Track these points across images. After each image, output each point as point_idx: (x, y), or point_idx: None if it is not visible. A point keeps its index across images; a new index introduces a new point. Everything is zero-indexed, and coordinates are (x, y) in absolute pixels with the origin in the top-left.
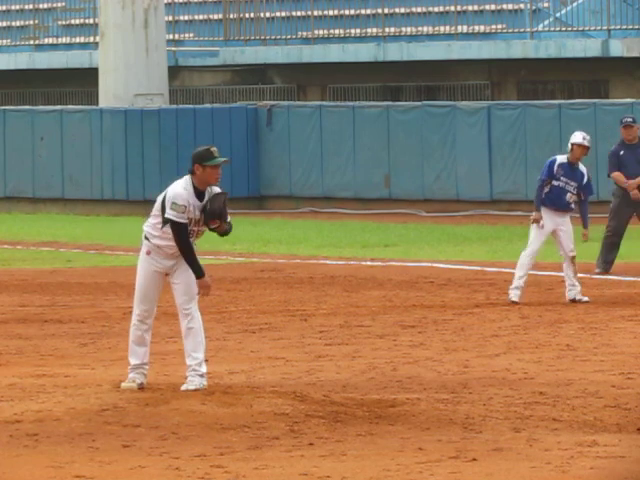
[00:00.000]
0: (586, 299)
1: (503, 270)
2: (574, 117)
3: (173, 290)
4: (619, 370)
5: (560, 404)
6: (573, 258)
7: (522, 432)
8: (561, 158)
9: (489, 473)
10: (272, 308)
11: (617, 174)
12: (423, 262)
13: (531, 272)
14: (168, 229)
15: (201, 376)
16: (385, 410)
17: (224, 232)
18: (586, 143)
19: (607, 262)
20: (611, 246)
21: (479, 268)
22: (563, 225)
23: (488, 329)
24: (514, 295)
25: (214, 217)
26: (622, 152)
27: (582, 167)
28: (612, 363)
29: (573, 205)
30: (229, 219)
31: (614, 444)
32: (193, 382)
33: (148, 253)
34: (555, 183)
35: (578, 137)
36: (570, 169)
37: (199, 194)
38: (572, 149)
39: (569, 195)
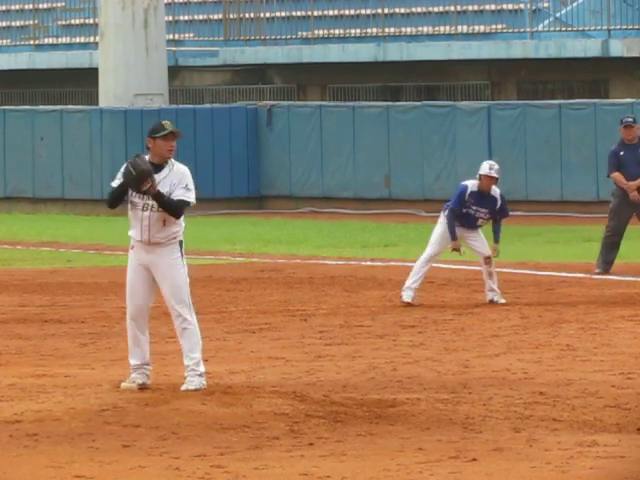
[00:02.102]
0: (503, 301)
1: (503, 270)
2: (574, 117)
3: (162, 293)
4: (619, 370)
5: (560, 404)
6: (488, 259)
7: (522, 432)
8: (472, 186)
9: (489, 473)
10: (272, 308)
11: (617, 174)
12: None
13: (531, 272)
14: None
15: (200, 375)
16: (385, 410)
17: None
18: (493, 174)
19: (607, 262)
20: (611, 246)
21: (479, 268)
22: (472, 235)
23: (488, 329)
24: (406, 296)
25: (143, 176)
26: (622, 152)
27: (495, 192)
28: (612, 363)
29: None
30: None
31: (614, 444)
32: (193, 382)
33: (132, 248)
34: (465, 210)
35: (485, 168)
36: (480, 197)
37: (155, 167)
38: (480, 179)
39: (480, 221)
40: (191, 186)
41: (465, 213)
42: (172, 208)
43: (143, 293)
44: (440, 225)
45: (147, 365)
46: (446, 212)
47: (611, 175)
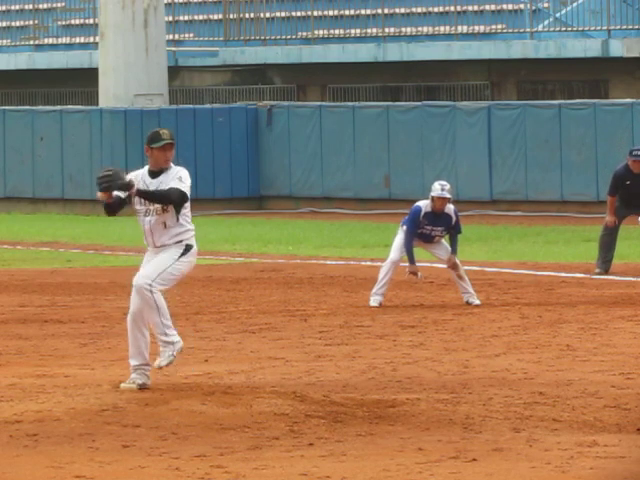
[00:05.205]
0: (477, 302)
1: (503, 270)
2: (574, 117)
3: None
4: (619, 370)
5: (560, 404)
6: (454, 264)
7: (522, 432)
8: (425, 207)
9: (489, 473)
10: (272, 308)
11: (611, 201)
12: (423, 262)
13: (531, 272)
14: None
15: (170, 343)
16: (385, 410)
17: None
18: (445, 194)
19: (606, 261)
20: (608, 245)
21: (479, 268)
22: (433, 245)
23: (488, 329)
24: (374, 301)
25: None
26: (629, 182)
27: (450, 209)
28: (612, 363)
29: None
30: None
31: (614, 444)
32: (165, 354)
33: (147, 250)
34: (419, 231)
35: (437, 189)
36: (434, 217)
37: (152, 174)
38: (433, 200)
39: (437, 238)
40: (186, 180)
41: (420, 233)
42: (160, 197)
43: None
44: (400, 234)
45: (147, 365)
46: (404, 228)
47: (608, 198)
